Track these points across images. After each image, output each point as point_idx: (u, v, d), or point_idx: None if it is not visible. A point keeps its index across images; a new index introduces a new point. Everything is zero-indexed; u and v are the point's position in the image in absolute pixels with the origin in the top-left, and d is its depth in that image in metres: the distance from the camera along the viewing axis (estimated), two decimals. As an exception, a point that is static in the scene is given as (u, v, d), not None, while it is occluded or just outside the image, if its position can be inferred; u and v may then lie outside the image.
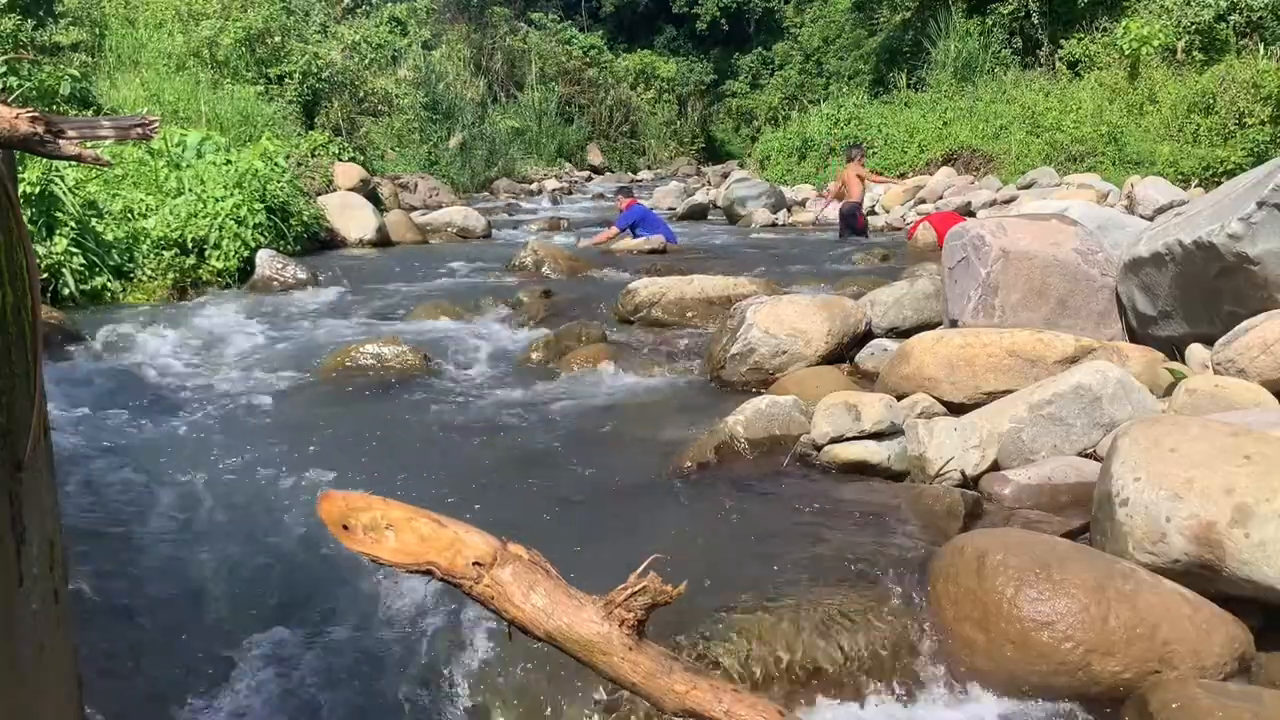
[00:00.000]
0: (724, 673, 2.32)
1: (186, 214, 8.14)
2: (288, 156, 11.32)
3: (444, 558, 1.47)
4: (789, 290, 6.69)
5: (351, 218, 11.01)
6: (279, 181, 9.46)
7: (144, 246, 7.80)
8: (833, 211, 11.72)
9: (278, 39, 17.02)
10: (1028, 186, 12.87)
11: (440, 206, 14.17)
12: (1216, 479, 2.45)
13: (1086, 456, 3.39)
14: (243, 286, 8.06)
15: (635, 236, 10.32)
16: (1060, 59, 18.01)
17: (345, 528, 1.48)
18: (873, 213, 12.96)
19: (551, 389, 4.91)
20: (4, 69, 9.94)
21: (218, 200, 8.40)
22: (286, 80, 16.83)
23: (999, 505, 3.25)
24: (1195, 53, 15.34)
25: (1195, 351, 3.96)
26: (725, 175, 21.15)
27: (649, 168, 29.98)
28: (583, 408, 4.58)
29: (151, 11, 17.00)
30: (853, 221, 11.09)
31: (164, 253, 7.87)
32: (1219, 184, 7.33)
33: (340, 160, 13.70)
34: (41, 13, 13.80)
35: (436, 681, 2.39)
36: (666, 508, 3.38)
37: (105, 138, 1.31)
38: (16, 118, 1.20)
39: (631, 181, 21.75)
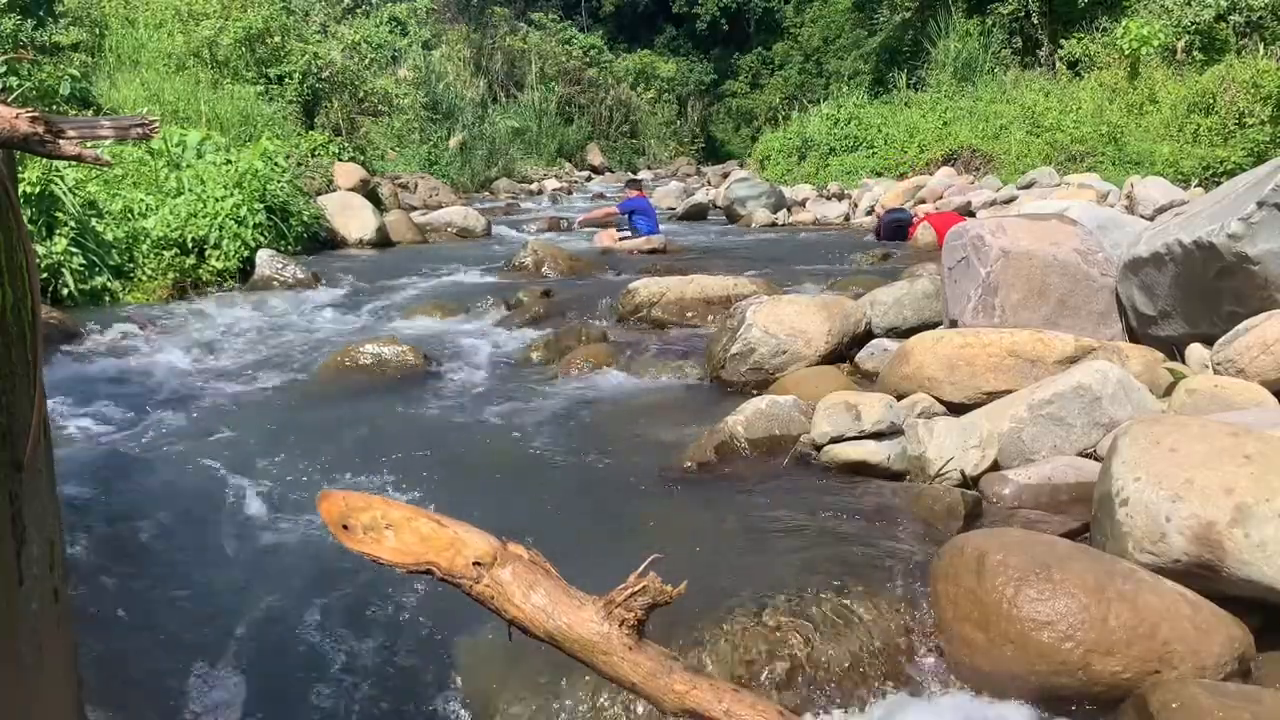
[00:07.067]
0: (723, 672, 2.32)
1: (186, 214, 8.15)
2: (288, 156, 11.32)
3: (444, 558, 1.48)
4: (789, 290, 6.69)
5: (351, 218, 11.01)
6: (279, 181, 9.46)
7: (144, 246, 7.80)
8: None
9: (278, 39, 17.03)
10: (1028, 186, 12.87)
11: (440, 206, 14.17)
12: (1216, 479, 2.45)
13: (1086, 456, 3.39)
14: (243, 286, 8.06)
15: (635, 223, 10.32)
16: (1060, 59, 18.03)
17: (345, 527, 1.48)
18: (870, 212, 12.98)
19: (551, 389, 4.91)
20: (4, 69, 9.94)
21: (218, 200, 8.40)
22: (286, 80, 16.84)
23: (999, 505, 3.24)
24: (1195, 53, 15.34)
25: (1195, 351, 3.96)
26: (725, 175, 21.13)
27: (649, 168, 29.98)
28: (582, 408, 4.58)
29: (151, 11, 17.01)
30: (905, 229, 10.79)
31: (164, 252, 7.86)
32: (1219, 184, 7.33)
33: (340, 160, 13.71)
34: (41, 13, 13.79)
35: (437, 681, 2.39)
36: (666, 508, 3.37)
37: (105, 137, 1.31)
38: (16, 118, 1.20)
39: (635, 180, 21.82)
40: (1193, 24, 15.39)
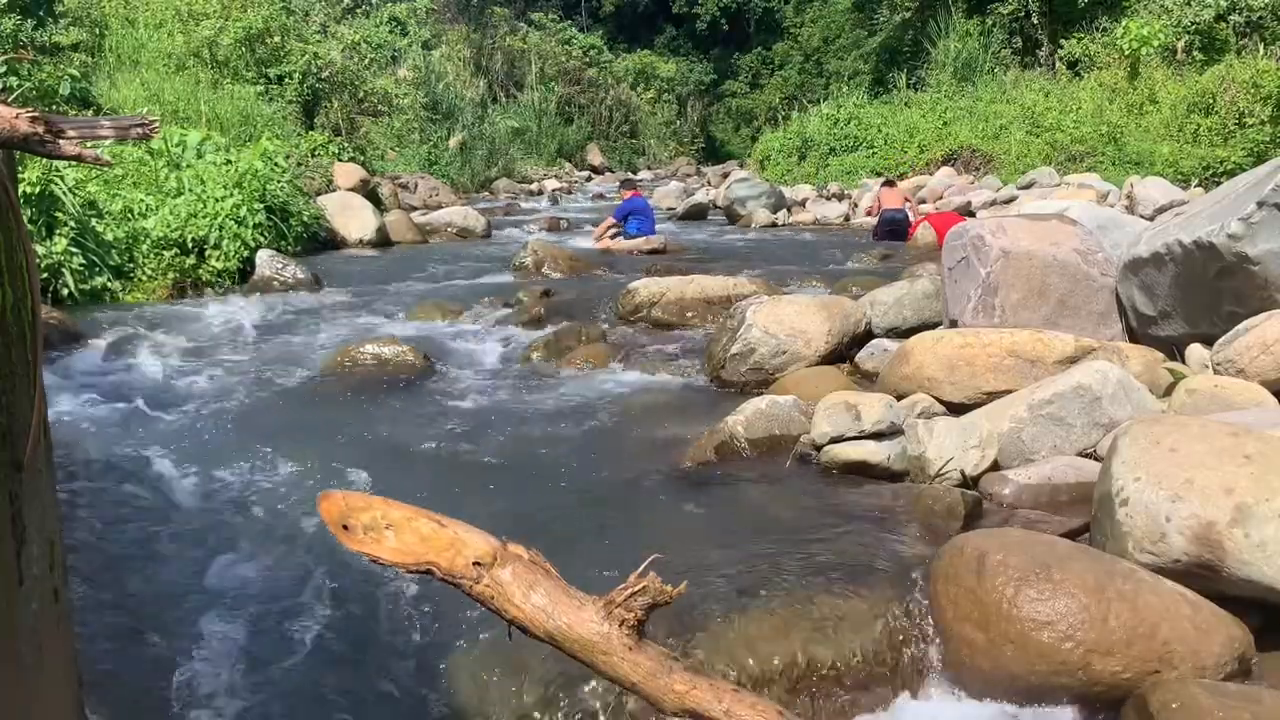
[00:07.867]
0: (723, 673, 2.32)
1: (186, 214, 8.14)
2: (288, 156, 11.32)
3: (444, 558, 1.48)
4: (789, 290, 6.69)
5: (351, 218, 11.01)
6: (279, 181, 9.46)
7: (144, 246, 7.79)
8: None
9: (278, 39, 17.03)
10: (1028, 186, 12.88)
11: (440, 206, 14.16)
12: (1216, 479, 2.45)
13: (1086, 456, 3.39)
14: (242, 287, 8.05)
15: (628, 227, 10.37)
16: (1060, 59, 18.05)
17: (345, 528, 1.48)
18: (870, 212, 12.99)
19: (551, 389, 4.91)
20: (4, 69, 9.94)
21: (218, 200, 8.40)
22: (286, 80, 16.83)
23: (999, 505, 3.25)
24: (1195, 53, 15.36)
25: (1195, 351, 3.96)
26: (725, 175, 21.13)
27: (649, 168, 29.98)
28: (582, 408, 4.58)
29: (151, 11, 17.00)
30: (901, 230, 10.72)
31: (164, 253, 7.86)
32: (1219, 184, 7.33)
33: (340, 160, 13.70)
34: (41, 13, 13.79)
35: (439, 682, 2.39)
36: (666, 508, 3.38)
37: (105, 138, 1.31)
38: (16, 118, 1.20)
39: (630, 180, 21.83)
40: (1193, 24, 15.41)
